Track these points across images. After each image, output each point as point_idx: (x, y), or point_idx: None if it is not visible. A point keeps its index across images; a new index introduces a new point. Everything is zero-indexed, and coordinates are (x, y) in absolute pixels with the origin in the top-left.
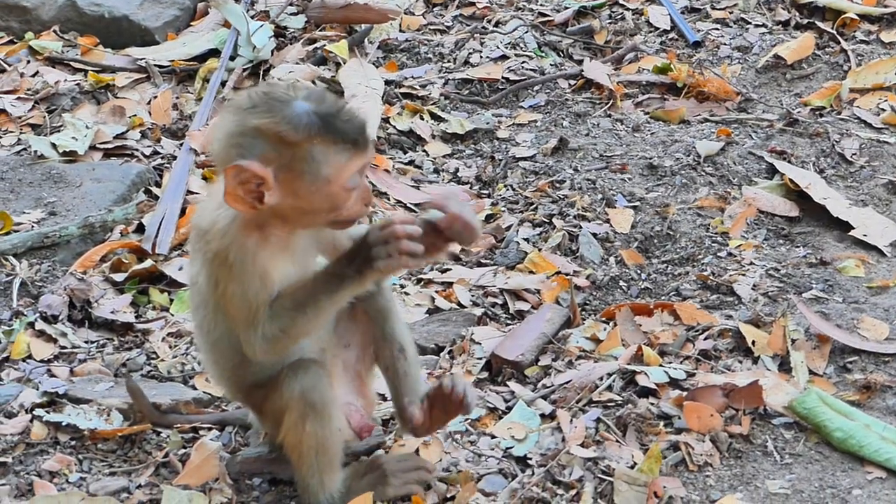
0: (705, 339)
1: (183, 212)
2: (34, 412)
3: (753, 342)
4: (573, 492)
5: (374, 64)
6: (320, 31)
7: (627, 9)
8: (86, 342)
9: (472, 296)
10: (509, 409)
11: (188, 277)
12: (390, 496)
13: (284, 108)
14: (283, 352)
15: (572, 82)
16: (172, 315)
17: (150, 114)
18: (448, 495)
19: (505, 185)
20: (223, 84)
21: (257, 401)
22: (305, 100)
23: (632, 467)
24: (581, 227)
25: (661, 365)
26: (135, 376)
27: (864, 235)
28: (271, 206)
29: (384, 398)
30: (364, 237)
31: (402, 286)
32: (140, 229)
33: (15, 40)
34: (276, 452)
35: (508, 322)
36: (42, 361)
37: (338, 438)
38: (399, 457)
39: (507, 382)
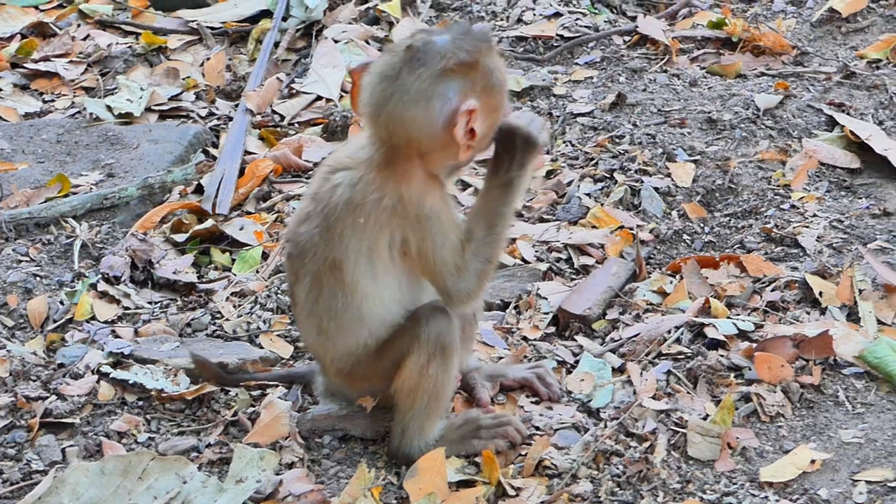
0: (772, 290)
1: (241, 172)
2: (101, 372)
3: (821, 293)
4: (646, 444)
5: (426, 23)
6: None
7: None
8: (149, 303)
9: (536, 251)
10: (577, 363)
11: (325, 258)
12: (478, 449)
13: (441, 45)
14: (487, 285)
15: (627, 38)
16: (235, 275)
17: (203, 75)
18: (521, 451)
19: (564, 141)
20: (276, 45)
21: (368, 365)
22: (439, 34)
23: (704, 419)
24: (643, 182)
25: (728, 317)
26: (200, 336)
27: None
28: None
29: None
30: (515, 132)
31: None
32: (199, 190)
33: (64, 4)
34: (348, 409)
35: (573, 277)
36: (106, 322)
37: (452, 386)
38: (494, 415)
39: (575, 337)
